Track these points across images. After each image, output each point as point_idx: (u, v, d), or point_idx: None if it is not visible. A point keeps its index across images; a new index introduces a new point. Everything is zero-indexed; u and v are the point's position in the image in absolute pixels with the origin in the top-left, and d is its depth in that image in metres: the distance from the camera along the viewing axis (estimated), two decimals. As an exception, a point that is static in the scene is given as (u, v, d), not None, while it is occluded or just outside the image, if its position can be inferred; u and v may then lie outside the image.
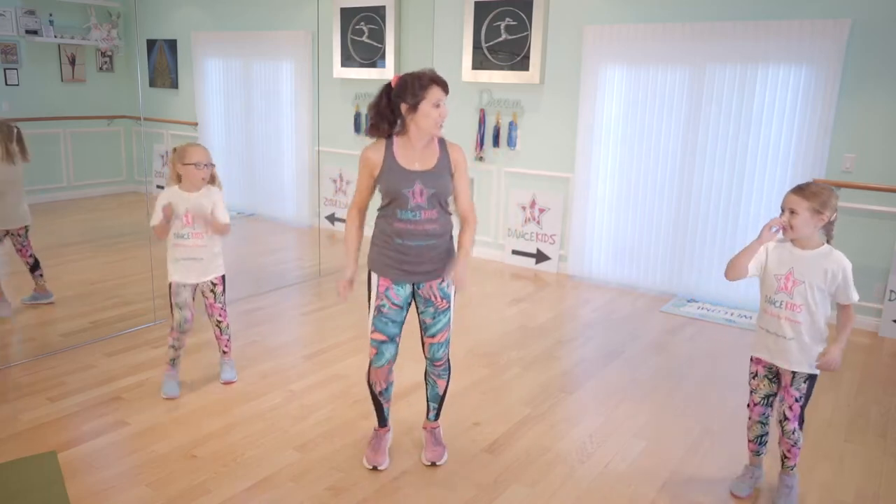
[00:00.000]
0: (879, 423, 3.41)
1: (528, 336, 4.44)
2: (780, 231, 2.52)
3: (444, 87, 2.59)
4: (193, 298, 3.47)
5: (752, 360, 2.71)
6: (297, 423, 3.22)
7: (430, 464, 2.92)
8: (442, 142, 2.71)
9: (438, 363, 2.85)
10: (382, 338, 2.73)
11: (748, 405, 2.76)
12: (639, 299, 5.28)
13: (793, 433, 2.60)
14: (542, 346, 4.27)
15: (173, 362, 3.51)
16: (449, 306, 2.77)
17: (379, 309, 2.71)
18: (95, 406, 3.32)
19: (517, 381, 3.78)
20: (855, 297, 2.48)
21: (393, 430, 3.08)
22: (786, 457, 2.67)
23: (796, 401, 2.57)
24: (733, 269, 2.60)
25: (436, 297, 2.73)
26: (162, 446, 2.99)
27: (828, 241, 2.53)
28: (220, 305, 3.54)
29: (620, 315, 4.92)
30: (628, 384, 3.77)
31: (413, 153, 2.65)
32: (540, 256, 5.98)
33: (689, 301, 5.20)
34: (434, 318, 2.76)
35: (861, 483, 2.88)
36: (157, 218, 3.32)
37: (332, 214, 7.13)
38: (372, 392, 2.88)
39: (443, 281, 2.72)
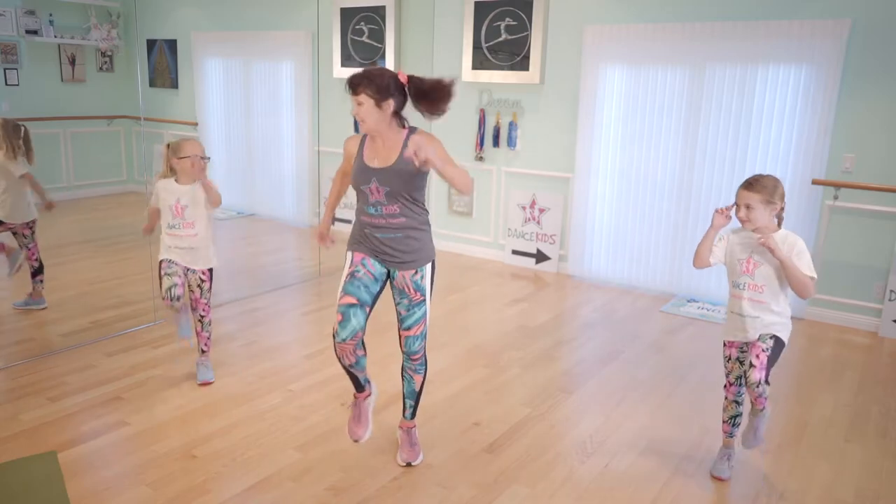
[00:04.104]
0: (879, 423, 3.41)
1: (528, 336, 4.44)
2: (733, 212, 2.67)
3: (350, 86, 2.53)
4: (184, 276, 3.50)
5: (724, 344, 2.83)
6: (297, 423, 3.22)
7: (405, 464, 2.89)
8: (409, 134, 2.60)
9: (414, 357, 2.81)
10: (352, 300, 2.58)
11: (724, 386, 2.88)
12: (639, 299, 5.28)
13: (758, 385, 2.52)
14: (542, 346, 4.27)
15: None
16: (423, 299, 2.73)
17: (353, 274, 2.65)
18: (95, 406, 3.32)
19: (517, 381, 3.78)
20: (811, 272, 2.58)
21: (376, 393, 2.94)
22: (754, 404, 2.67)
23: (763, 351, 2.57)
24: (697, 258, 2.84)
25: (409, 289, 2.70)
26: (162, 446, 2.99)
27: (778, 226, 2.68)
28: (206, 301, 3.57)
29: (620, 315, 4.92)
30: (628, 384, 3.77)
31: (376, 149, 2.64)
32: (540, 256, 5.98)
33: (689, 301, 5.20)
34: (409, 310, 2.73)
35: (861, 483, 2.88)
36: (148, 217, 3.52)
37: (332, 214, 7.13)
38: (342, 364, 2.69)
39: (416, 273, 2.70)
